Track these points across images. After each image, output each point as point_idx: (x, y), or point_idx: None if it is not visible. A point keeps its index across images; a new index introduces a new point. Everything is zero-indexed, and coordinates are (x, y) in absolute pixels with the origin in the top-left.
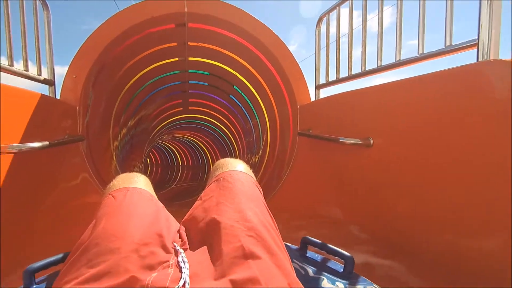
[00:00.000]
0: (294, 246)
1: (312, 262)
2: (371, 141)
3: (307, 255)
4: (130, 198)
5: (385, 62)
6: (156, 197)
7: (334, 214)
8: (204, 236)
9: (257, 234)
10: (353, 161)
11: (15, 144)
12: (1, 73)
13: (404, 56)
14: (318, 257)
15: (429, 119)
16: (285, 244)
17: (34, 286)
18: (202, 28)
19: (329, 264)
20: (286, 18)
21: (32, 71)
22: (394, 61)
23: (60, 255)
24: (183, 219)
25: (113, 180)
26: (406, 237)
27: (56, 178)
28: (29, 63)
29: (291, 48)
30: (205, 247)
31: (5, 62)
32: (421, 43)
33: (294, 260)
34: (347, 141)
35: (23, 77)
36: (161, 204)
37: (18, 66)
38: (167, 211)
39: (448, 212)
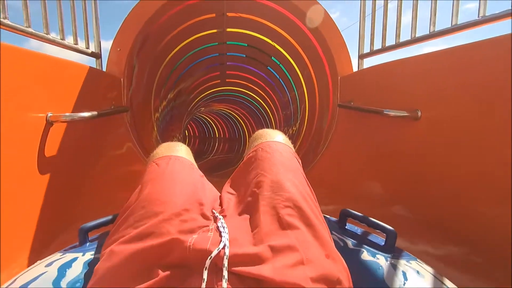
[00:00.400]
0: (333, 218)
1: (351, 234)
2: (419, 114)
3: (346, 227)
4: (172, 165)
5: (439, 27)
6: (196, 165)
7: (375, 190)
8: (243, 206)
9: (295, 205)
10: (398, 135)
11: (68, 114)
12: (53, 46)
13: (462, 20)
14: (357, 230)
15: (485, 90)
16: (324, 216)
17: (88, 243)
18: None
19: (370, 238)
20: None
21: (81, 44)
22: (450, 26)
23: (110, 217)
24: (223, 188)
25: (156, 149)
26: (455, 219)
27: (103, 146)
28: (78, 37)
29: (333, 16)
30: (244, 216)
31: (56, 36)
32: (483, 3)
33: (333, 232)
34: (392, 113)
35: (73, 50)
36: (201, 173)
37: (68, 40)
38: (206, 180)
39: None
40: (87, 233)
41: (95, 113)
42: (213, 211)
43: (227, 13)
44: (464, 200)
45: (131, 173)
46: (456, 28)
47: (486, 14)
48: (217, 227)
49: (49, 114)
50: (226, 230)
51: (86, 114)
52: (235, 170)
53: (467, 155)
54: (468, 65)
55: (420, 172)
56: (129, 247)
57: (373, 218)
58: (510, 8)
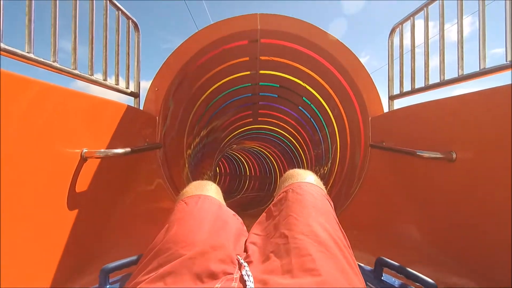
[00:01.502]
0: (368, 267)
1: (388, 286)
2: (454, 155)
3: (382, 278)
4: (201, 205)
5: (467, 71)
6: (225, 205)
7: (411, 234)
8: (272, 249)
9: (327, 250)
10: (433, 176)
11: (102, 150)
12: (96, 86)
13: (490, 64)
14: (395, 281)
15: None
16: (358, 264)
17: (108, 286)
18: (273, 43)
19: None
20: (360, 31)
21: (121, 84)
22: (478, 69)
23: (134, 257)
24: (251, 230)
25: (186, 187)
26: (497, 266)
27: (134, 182)
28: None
29: (363, 60)
30: (272, 260)
31: (100, 77)
32: (510, 49)
33: (368, 282)
34: (426, 154)
35: (114, 90)
36: (231, 213)
37: (110, 80)
38: (236, 220)
39: None
40: (108, 274)
41: (128, 149)
42: (238, 257)
43: (260, 57)
44: (502, 247)
45: (160, 210)
46: (484, 72)
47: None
48: (242, 275)
49: (84, 150)
50: (251, 279)
51: (120, 150)
52: (265, 211)
53: (505, 198)
54: (504, 107)
55: (459, 216)
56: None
57: (411, 265)
58: None
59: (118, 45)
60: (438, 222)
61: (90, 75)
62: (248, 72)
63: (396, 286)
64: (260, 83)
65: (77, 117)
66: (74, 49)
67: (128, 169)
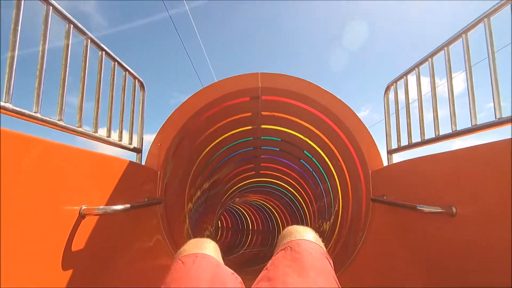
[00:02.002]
0: None
1: None
2: (454, 210)
3: None
4: (198, 264)
5: (461, 126)
6: (223, 264)
7: None
8: None
9: None
10: (434, 231)
11: (101, 207)
12: (98, 143)
13: (482, 120)
14: None
15: None
16: None
17: None
18: (274, 100)
19: None
20: (359, 86)
21: (125, 140)
22: (470, 125)
23: None
24: None
25: (184, 245)
26: None
27: (132, 238)
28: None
29: (363, 113)
30: None
31: (103, 134)
32: (498, 107)
33: None
34: (426, 209)
35: (117, 147)
36: (229, 271)
37: (114, 136)
38: (235, 279)
39: None
40: None
41: (128, 205)
42: None
43: (262, 112)
44: None
45: (158, 268)
46: (475, 129)
47: (503, 116)
48: None
49: (83, 207)
50: None
51: (119, 207)
52: (263, 270)
53: (507, 256)
54: (503, 161)
55: (461, 273)
56: None
57: None
58: None
59: (123, 103)
60: (442, 280)
61: (94, 132)
62: (250, 127)
63: None
64: (262, 137)
65: (79, 174)
66: (81, 108)
67: (128, 225)
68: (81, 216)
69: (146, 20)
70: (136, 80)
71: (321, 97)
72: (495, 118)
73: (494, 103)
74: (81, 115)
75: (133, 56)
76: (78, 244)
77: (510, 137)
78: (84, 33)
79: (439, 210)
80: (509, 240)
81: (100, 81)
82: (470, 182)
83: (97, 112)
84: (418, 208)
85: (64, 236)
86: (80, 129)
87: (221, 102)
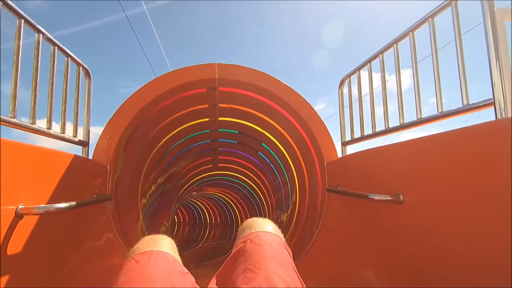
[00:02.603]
0: None
1: None
2: (402, 198)
3: None
4: (154, 262)
5: (408, 119)
6: (180, 261)
7: (368, 277)
8: None
9: None
10: (385, 218)
11: (42, 205)
12: (38, 135)
13: (426, 114)
14: None
15: (461, 175)
16: None
17: None
18: (231, 91)
19: None
20: (316, 81)
21: (68, 132)
22: (416, 119)
23: None
24: (209, 285)
25: (137, 243)
26: None
27: (81, 237)
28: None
29: (319, 106)
30: None
31: (43, 125)
32: (439, 102)
33: None
34: (377, 197)
35: (59, 139)
36: (185, 270)
37: (56, 129)
38: (191, 278)
39: (493, 277)
40: None
41: (73, 203)
42: None
43: (219, 104)
44: (454, 282)
45: (110, 268)
46: (421, 121)
47: (444, 110)
48: None
49: (20, 206)
50: None
51: (63, 205)
52: (223, 264)
53: (449, 237)
54: (442, 151)
55: (410, 257)
56: None
57: None
58: (462, 106)
59: (66, 91)
60: (392, 265)
61: (31, 123)
62: (207, 119)
63: None
64: (219, 130)
65: (13, 170)
66: (14, 96)
67: (74, 225)
68: (18, 216)
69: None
70: (81, 67)
71: (278, 89)
72: (437, 112)
73: (436, 98)
74: (15, 104)
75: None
76: (17, 247)
77: (450, 129)
78: (17, 13)
79: (388, 198)
80: (451, 225)
81: (37, 67)
82: (416, 171)
83: (35, 101)
84: (369, 196)
85: None
86: (14, 120)
87: (176, 93)
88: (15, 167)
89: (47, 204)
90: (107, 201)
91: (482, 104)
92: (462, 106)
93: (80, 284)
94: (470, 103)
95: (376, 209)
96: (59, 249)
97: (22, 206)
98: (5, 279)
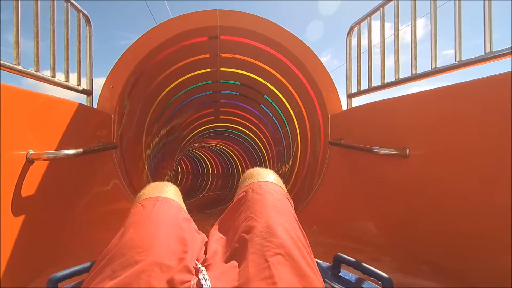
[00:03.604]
0: (326, 264)
1: (345, 282)
2: (408, 152)
3: (340, 274)
4: (159, 208)
5: (420, 70)
6: (184, 207)
7: (368, 228)
8: (231, 252)
9: (286, 252)
10: (388, 172)
11: (51, 151)
12: (43, 83)
13: (440, 64)
14: (352, 277)
15: (470, 129)
16: (316, 261)
17: None
18: (234, 40)
19: (365, 286)
20: (321, 31)
21: (72, 81)
22: (430, 69)
23: (87, 264)
24: (210, 232)
25: (143, 189)
26: (448, 257)
27: (88, 184)
28: (70, 74)
29: (324, 59)
30: (231, 263)
31: (47, 74)
32: (458, 49)
33: (326, 280)
34: (382, 151)
35: (63, 87)
36: (188, 216)
37: (59, 77)
38: (193, 224)
39: (497, 229)
40: (57, 283)
41: (80, 150)
42: (196, 262)
43: (221, 54)
44: (455, 238)
45: (116, 212)
46: (435, 72)
47: (462, 59)
48: (199, 280)
49: (30, 152)
50: (208, 283)
51: (70, 151)
52: (224, 212)
53: (455, 192)
54: (452, 104)
55: (412, 210)
56: None
57: (368, 258)
58: (484, 53)
59: (67, 39)
60: (393, 217)
61: (35, 71)
62: (209, 70)
63: (353, 281)
64: (221, 81)
65: (22, 117)
66: (17, 43)
67: (82, 171)
68: (29, 161)
69: None
70: (81, 14)
71: (282, 37)
72: (455, 61)
73: (455, 46)
74: (18, 51)
75: None
76: (29, 190)
77: (462, 81)
78: None
79: (394, 152)
80: (458, 179)
81: (37, 13)
82: (423, 124)
83: (37, 48)
84: (374, 150)
85: (12, 182)
86: (18, 67)
87: (177, 42)
88: (22, 113)
89: (55, 150)
90: (112, 150)
91: (505, 52)
92: (484, 54)
93: (89, 225)
94: (493, 50)
95: (379, 163)
96: (68, 194)
97: (32, 152)
98: (20, 218)
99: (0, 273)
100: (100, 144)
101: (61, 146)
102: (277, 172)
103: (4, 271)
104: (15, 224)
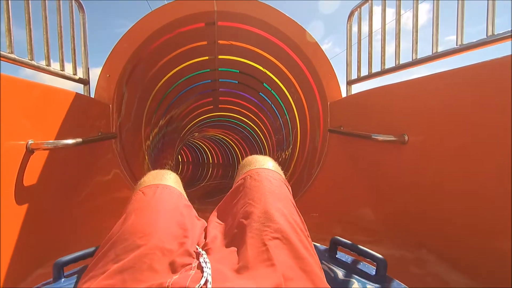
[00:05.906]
0: (323, 247)
1: (342, 264)
2: (406, 138)
3: (336, 256)
4: (159, 195)
5: (421, 55)
6: (185, 195)
7: (366, 215)
8: (230, 237)
9: (283, 237)
10: (387, 159)
11: (50, 141)
12: (39, 73)
13: (442, 49)
14: (348, 258)
15: (470, 115)
16: (314, 245)
17: (63, 279)
18: (231, 26)
19: (360, 267)
20: (324, 17)
21: (68, 71)
22: (431, 53)
23: (90, 249)
24: (209, 218)
25: (144, 177)
26: (445, 242)
27: (89, 173)
28: (65, 63)
29: (325, 46)
30: (231, 248)
31: (42, 63)
32: (460, 33)
33: (323, 261)
34: (380, 137)
35: (59, 77)
36: (188, 203)
37: (55, 66)
38: (194, 211)
39: (496, 216)
40: (62, 267)
41: (79, 140)
42: (197, 246)
43: (219, 41)
44: (453, 223)
45: (118, 201)
46: (436, 56)
47: (464, 43)
48: (199, 263)
49: (30, 142)
50: (209, 265)
51: (70, 141)
52: (223, 199)
53: (453, 177)
54: (451, 90)
55: (410, 196)
56: (109, 283)
57: (366, 243)
58: (486, 36)
59: (60, 26)
60: (392, 204)
61: (29, 59)
62: (207, 57)
63: (349, 262)
64: (220, 69)
65: (21, 107)
66: (9, 30)
67: (82, 161)
68: (29, 151)
69: None
70: (73, 1)
71: (281, 23)
72: (457, 45)
73: (457, 29)
74: (10, 38)
75: None
76: (30, 179)
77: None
78: None
79: (392, 138)
80: (456, 166)
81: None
82: (422, 111)
83: (30, 36)
84: (372, 137)
85: (13, 172)
86: (12, 55)
87: (173, 29)
88: (22, 103)
89: (55, 140)
90: (112, 140)
91: (507, 35)
92: (486, 37)
93: (92, 213)
94: (496, 33)
95: (378, 149)
96: (69, 183)
97: (32, 142)
98: (24, 207)
99: (6, 261)
100: (100, 134)
101: (60, 136)
102: (276, 160)
103: (10, 259)
104: (18, 213)
